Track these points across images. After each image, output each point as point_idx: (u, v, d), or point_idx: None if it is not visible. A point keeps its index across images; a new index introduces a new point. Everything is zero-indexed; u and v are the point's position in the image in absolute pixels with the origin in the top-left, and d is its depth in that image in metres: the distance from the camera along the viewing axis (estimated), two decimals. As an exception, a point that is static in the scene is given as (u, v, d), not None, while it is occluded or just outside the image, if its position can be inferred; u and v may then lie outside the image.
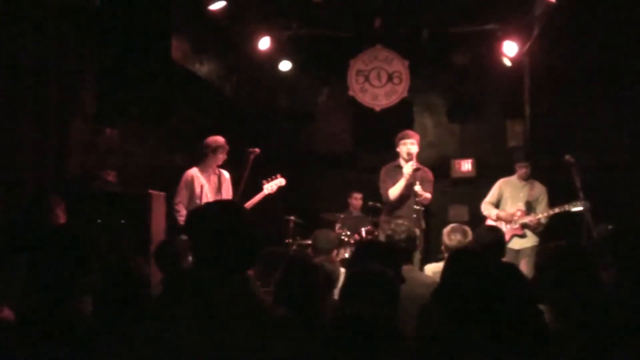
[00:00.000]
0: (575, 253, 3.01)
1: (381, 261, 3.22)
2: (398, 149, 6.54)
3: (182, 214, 6.22)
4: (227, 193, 6.55)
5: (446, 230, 4.83)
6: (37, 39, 5.37)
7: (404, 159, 6.47)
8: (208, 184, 6.41)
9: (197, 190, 6.26)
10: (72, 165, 5.88)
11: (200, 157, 6.44)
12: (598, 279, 3.15)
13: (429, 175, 6.56)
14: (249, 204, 6.42)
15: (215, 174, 6.49)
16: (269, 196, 6.63)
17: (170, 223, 6.14)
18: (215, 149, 6.38)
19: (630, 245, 3.21)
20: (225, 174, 6.57)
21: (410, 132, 6.55)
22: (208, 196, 6.36)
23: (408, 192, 6.33)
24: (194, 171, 6.38)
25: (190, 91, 7.70)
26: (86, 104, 6.02)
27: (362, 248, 3.87)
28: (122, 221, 5.51)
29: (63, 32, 5.66)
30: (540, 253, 3.12)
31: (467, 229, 4.83)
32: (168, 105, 6.49)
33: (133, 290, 2.92)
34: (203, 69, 7.87)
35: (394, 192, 6.36)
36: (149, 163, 7.14)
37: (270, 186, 6.63)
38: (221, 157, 6.43)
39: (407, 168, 6.26)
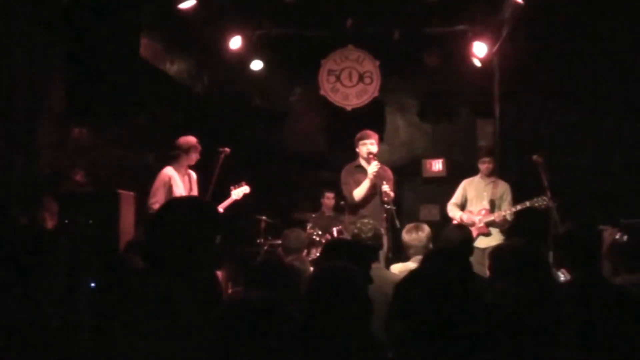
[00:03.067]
0: (527, 251, 3.05)
1: (349, 260, 3.23)
2: (357, 149, 6.57)
3: None
4: (195, 193, 6.57)
5: (404, 229, 4.94)
6: (4, 36, 5.30)
7: (364, 158, 6.50)
8: (182, 184, 6.41)
9: (175, 190, 6.26)
10: (40, 165, 5.81)
11: (173, 158, 6.40)
12: (550, 277, 3.19)
13: (389, 173, 6.61)
14: (219, 207, 6.46)
15: (186, 174, 6.49)
16: (235, 202, 6.66)
17: (140, 222, 6.10)
18: (187, 150, 6.38)
19: (581, 244, 3.26)
20: (193, 174, 6.58)
21: (369, 132, 6.57)
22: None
23: (373, 192, 6.37)
24: (170, 171, 6.33)
25: (161, 90, 7.65)
26: (54, 102, 5.95)
27: (331, 247, 3.88)
28: (90, 221, 5.46)
29: (31, 29, 5.59)
30: (493, 252, 3.16)
31: (423, 225, 4.94)
32: (137, 104, 6.45)
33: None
34: (173, 67, 7.82)
35: (359, 193, 6.38)
36: (118, 162, 7.08)
37: (237, 193, 6.68)
38: (194, 157, 6.43)
39: (372, 168, 6.29)
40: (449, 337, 1.96)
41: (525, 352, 2.30)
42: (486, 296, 2.34)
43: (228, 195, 6.65)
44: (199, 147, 6.44)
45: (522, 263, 2.92)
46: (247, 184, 6.77)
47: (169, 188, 6.22)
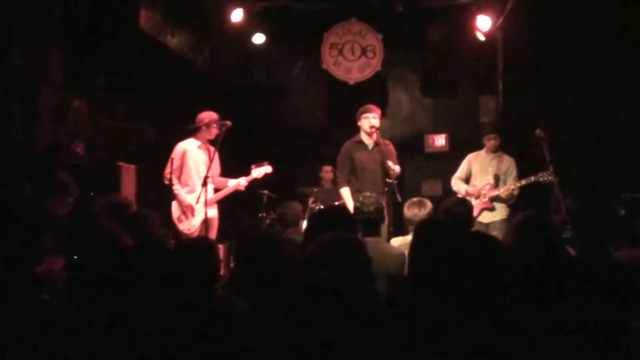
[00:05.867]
0: (541, 222, 3.05)
1: (340, 228, 3.21)
2: (359, 123, 6.53)
3: (173, 183, 6.26)
4: (217, 167, 6.59)
5: (406, 203, 4.92)
6: (1, 7, 5.26)
7: (365, 132, 6.48)
8: (202, 157, 6.45)
9: (191, 163, 6.33)
10: (40, 136, 5.79)
11: (193, 131, 6.46)
12: (562, 250, 3.19)
13: (391, 148, 6.57)
14: (225, 191, 6.49)
15: (207, 148, 6.51)
16: (254, 181, 6.64)
17: (140, 194, 6.10)
18: (208, 124, 6.41)
19: (592, 219, 3.24)
20: (212, 148, 6.56)
21: (372, 106, 6.54)
22: (200, 169, 6.39)
23: (375, 168, 6.38)
24: (187, 143, 6.42)
25: (161, 62, 7.60)
26: (53, 74, 5.91)
27: (319, 215, 3.84)
28: (91, 193, 5.45)
29: (29, 0, 5.54)
30: (510, 221, 3.17)
31: (426, 201, 4.90)
32: (137, 76, 6.42)
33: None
34: (174, 40, 7.74)
35: (343, 195, 6.54)
36: (119, 135, 7.06)
37: (258, 172, 6.62)
38: (214, 131, 6.44)
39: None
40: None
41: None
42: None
43: (248, 172, 6.60)
44: (220, 123, 6.40)
45: (537, 232, 2.94)
46: (270, 164, 6.70)
47: (183, 160, 6.30)
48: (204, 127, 6.41)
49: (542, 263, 2.88)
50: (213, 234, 6.44)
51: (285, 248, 3.45)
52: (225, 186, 6.51)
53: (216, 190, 6.51)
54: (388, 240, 5.28)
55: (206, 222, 6.28)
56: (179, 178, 6.30)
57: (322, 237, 2.83)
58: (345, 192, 6.51)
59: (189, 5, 7.62)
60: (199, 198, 6.19)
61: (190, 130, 6.48)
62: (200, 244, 3.23)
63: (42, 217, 2.24)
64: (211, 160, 6.24)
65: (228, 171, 6.70)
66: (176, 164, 6.30)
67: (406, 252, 4.03)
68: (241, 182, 6.51)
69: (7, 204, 2.24)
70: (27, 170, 5.13)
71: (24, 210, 2.22)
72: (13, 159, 5.35)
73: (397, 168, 6.26)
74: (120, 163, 5.83)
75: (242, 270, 3.40)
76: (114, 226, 3.16)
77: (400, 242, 4.73)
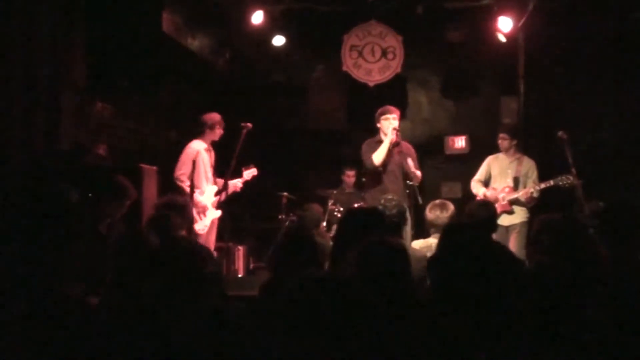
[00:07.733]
0: (572, 225, 3.04)
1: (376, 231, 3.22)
2: (379, 124, 6.55)
3: (187, 185, 6.28)
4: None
5: (428, 205, 4.91)
6: (27, 10, 5.30)
7: (385, 134, 6.48)
8: (207, 158, 6.55)
9: (202, 164, 6.42)
10: (63, 138, 5.83)
11: (199, 134, 6.53)
12: (596, 251, 3.17)
13: (412, 149, 6.63)
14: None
15: (210, 149, 6.59)
16: (245, 183, 6.74)
17: (161, 196, 6.13)
18: (212, 125, 6.52)
19: (619, 222, 3.22)
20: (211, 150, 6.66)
21: (391, 107, 6.57)
22: (207, 170, 6.51)
23: (394, 168, 6.38)
24: (198, 145, 6.48)
25: (182, 65, 7.65)
26: (76, 77, 5.96)
27: (353, 216, 3.86)
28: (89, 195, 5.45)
29: (53, 4, 5.59)
30: (536, 223, 3.14)
31: (448, 203, 4.88)
32: (159, 79, 6.47)
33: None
34: (195, 43, 7.80)
35: (378, 156, 6.36)
36: (141, 137, 7.11)
37: (247, 174, 6.76)
38: (218, 132, 6.57)
39: (391, 133, 6.31)
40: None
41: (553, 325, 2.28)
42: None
43: (240, 174, 6.71)
44: (223, 123, 6.57)
45: (568, 235, 2.92)
46: (255, 166, 6.81)
47: (196, 162, 6.32)
48: (208, 130, 6.51)
49: (573, 266, 2.86)
50: (214, 234, 6.60)
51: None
52: (221, 186, 6.57)
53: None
54: (409, 242, 5.27)
55: (215, 222, 6.50)
56: (190, 179, 6.35)
57: (370, 240, 2.83)
58: (379, 152, 6.44)
59: (210, 8, 7.66)
60: (220, 198, 6.32)
61: (195, 132, 6.57)
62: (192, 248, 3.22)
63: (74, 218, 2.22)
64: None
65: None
66: (189, 165, 6.32)
67: (428, 254, 4.03)
68: (237, 184, 6.64)
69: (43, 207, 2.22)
70: (83, 174, 5.18)
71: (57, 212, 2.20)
72: (36, 160, 5.38)
73: (418, 173, 6.27)
74: (141, 165, 5.87)
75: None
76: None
77: (422, 245, 4.72)
